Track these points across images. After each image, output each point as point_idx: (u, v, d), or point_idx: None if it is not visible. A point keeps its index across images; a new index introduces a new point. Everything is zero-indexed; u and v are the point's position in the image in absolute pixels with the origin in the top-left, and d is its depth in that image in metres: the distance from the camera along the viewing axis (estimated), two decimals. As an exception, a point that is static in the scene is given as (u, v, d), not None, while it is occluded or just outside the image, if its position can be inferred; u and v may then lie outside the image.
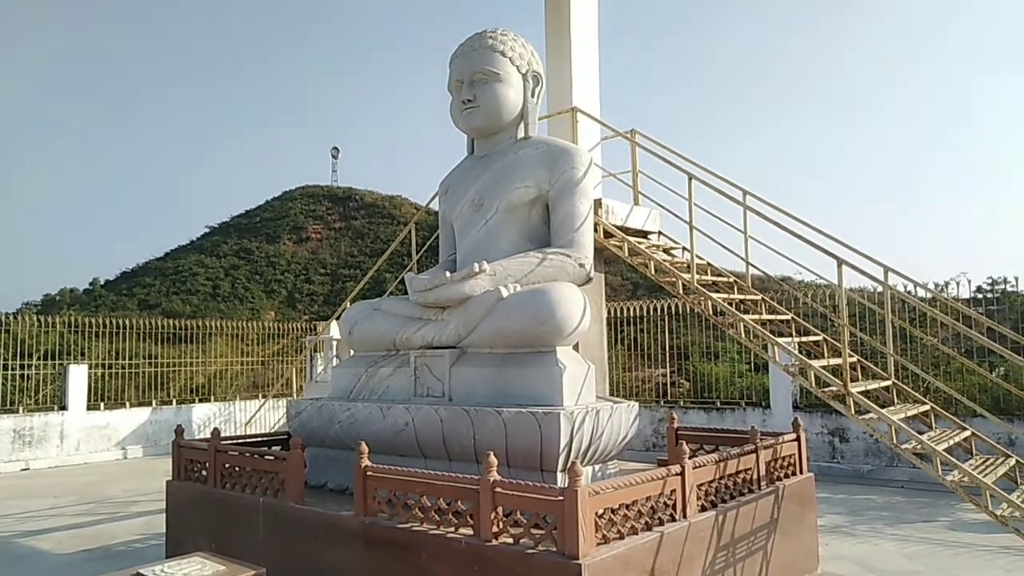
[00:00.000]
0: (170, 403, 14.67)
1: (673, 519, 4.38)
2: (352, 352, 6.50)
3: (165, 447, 12.91)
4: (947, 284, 10.42)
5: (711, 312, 5.78)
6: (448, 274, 5.57)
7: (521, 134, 6.28)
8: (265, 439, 6.84)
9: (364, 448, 4.73)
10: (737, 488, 5.07)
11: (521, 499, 3.96)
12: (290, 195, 50.04)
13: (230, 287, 37.75)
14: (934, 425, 5.56)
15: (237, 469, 5.63)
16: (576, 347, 5.56)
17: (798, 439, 5.85)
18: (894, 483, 9.37)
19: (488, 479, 4.03)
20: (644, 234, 6.74)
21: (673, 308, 12.81)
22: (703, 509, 4.67)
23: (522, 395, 5.09)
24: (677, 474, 4.46)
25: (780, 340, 5.38)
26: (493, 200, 6.07)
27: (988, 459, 5.26)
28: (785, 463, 5.71)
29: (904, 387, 5.67)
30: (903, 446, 4.78)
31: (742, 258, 5.82)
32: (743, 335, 5.58)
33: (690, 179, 5.85)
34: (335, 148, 54.83)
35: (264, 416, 15.06)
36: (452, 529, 4.22)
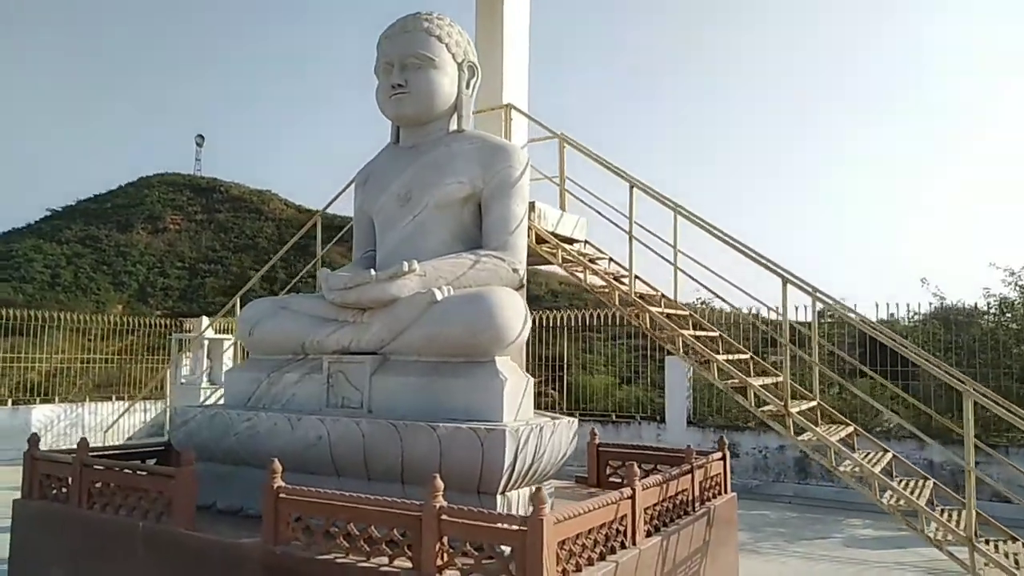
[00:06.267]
0: (4, 403, 12.86)
1: (623, 546, 4.09)
2: (249, 355, 5.79)
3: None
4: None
5: (648, 325, 5.59)
6: (373, 272, 5.03)
7: (453, 127, 5.84)
8: (137, 451, 5.96)
9: (277, 466, 4.12)
10: (676, 510, 4.87)
11: (472, 528, 3.52)
12: (147, 181, 46.70)
13: (72, 276, 34.42)
14: (856, 446, 5.63)
15: (110, 487, 4.80)
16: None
17: (724, 458, 5.77)
18: (781, 498, 9.64)
19: (433, 505, 3.57)
20: (571, 242, 6.48)
21: (544, 320, 12.71)
22: (648, 534, 4.41)
23: (456, 409, 4.64)
24: (628, 498, 4.17)
25: (720, 358, 5.25)
26: (422, 195, 5.59)
27: (910, 481, 5.36)
28: (713, 483, 5.59)
29: (829, 408, 5.74)
30: (841, 468, 4.75)
31: (679, 268, 5.68)
32: (680, 350, 5.42)
33: (631, 187, 5.65)
34: (200, 136, 51.65)
35: (118, 421, 13.53)
36: (385, 561, 3.71)
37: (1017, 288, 9.84)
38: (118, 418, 11.21)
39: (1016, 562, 4.42)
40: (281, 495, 4.04)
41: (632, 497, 4.18)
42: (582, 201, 6.38)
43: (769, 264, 5.01)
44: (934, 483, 5.27)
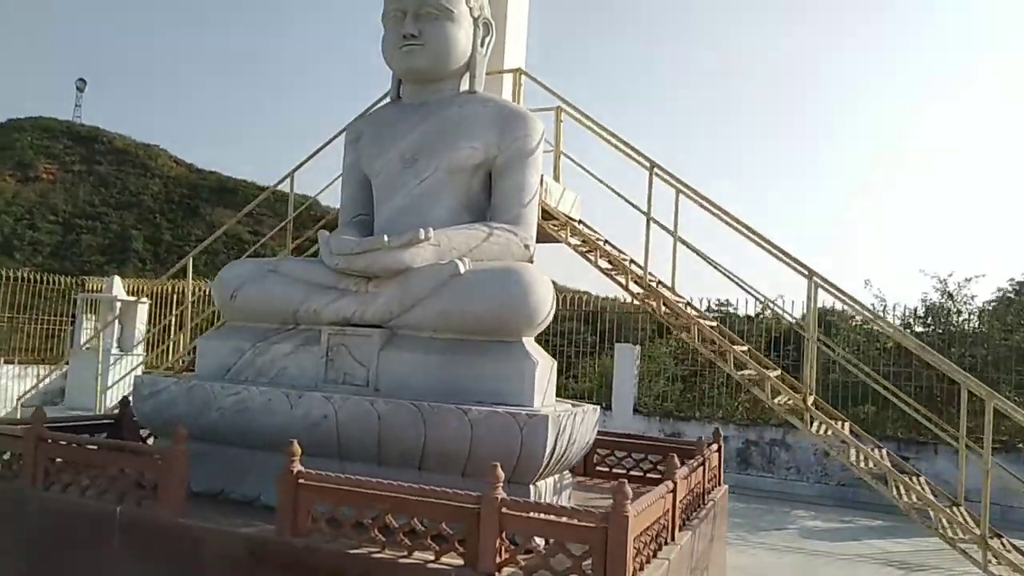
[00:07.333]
0: None
1: (666, 543, 3.91)
2: (228, 322, 5.20)
3: None
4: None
5: (662, 312, 5.42)
6: (386, 237, 4.59)
7: (464, 87, 5.44)
8: (82, 424, 5.27)
9: (296, 448, 3.67)
10: (695, 503, 4.75)
11: (539, 523, 3.23)
12: (18, 124, 42.90)
13: (-82, 221, 31.29)
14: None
15: (72, 465, 4.17)
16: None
17: (720, 449, 5.71)
18: (722, 488, 9.81)
19: (494, 497, 3.25)
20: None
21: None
22: (678, 529, 4.25)
23: (481, 391, 4.29)
24: (671, 492, 3.98)
25: (737, 348, 5.16)
26: (432, 158, 5.16)
27: (906, 478, 5.47)
28: (713, 475, 5.52)
29: (825, 404, 5.78)
30: (860, 465, 4.77)
31: (704, 257, 5.52)
32: (696, 339, 5.29)
33: (652, 167, 5.44)
34: (81, 80, 47.99)
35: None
36: (431, 557, 3.36)
37: (945, 295, 10.46)
38: (38, 383, 9.65)
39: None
40: (301, 481, 3.60)
41: (673, 491, 4.01)
42: (590, 173, 6.09)
43: (793, 260, 4.94)
44: (926, 480, 5.42)
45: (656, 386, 11.53)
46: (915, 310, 10.53)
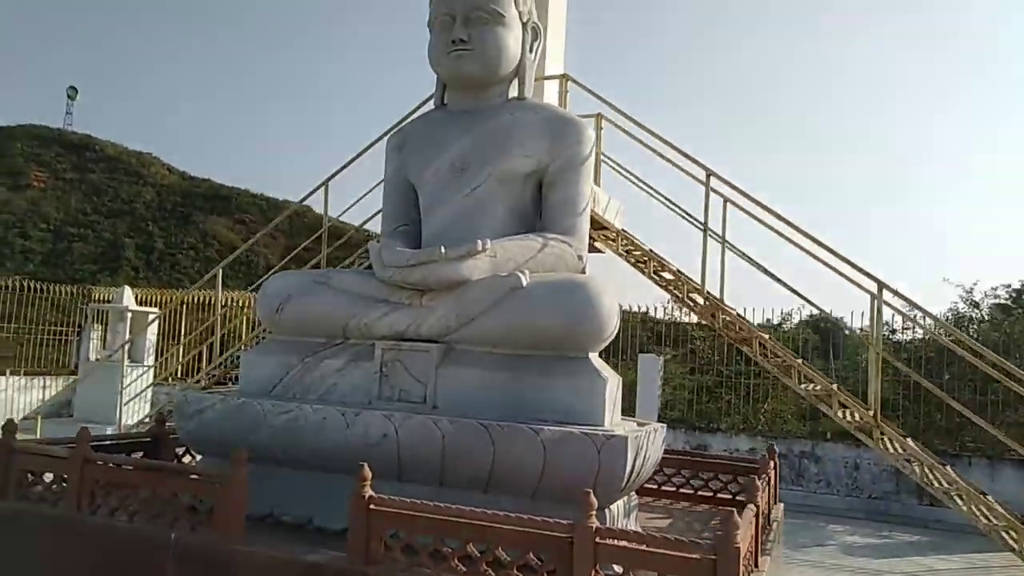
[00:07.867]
0: None
1: (751, 571, 3.73)
2: (270, 334, 4.99)
3: None
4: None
5: (722, 325, 5.25)
6: (443, 249, 4.40)
7: (513, 93, 5.28)
8: (119, 443, 5.05)
9: (367, 472, 3.47)
10: (766, 525, 4.57)
11: (640, 554, 3.04)
12: (9, 132, 42.40)
13: (-94, 228, 30.86)
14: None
15: (122, 487, 3.96)
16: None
17: (776, 467, 5.54)
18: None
19: (588, 525, 3.06)
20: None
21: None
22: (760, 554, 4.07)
23: (547, 409, 4.11)
24: (754, 516, 3.80)
25: (797, 361, 5.00)
26: (483, 166, 4.98)
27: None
28: (773, 493, 5.35)
29: (886, 420, 5.62)
30: (935, 485, 4.61)
31: (764, 266, 5.36)
32: (757, 352, 5.13)
33: (708, 176, 5.28)
34: (72, 88, 47.61)
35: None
36: (518, 589, 3.17)
37: (970, 304, 10.37)
38: (56, 396, 9.24)
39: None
40: (373, 507, 3.41)
41: (757, 516, 3.83)
42: (641, 182, 5.93)
43: (860, 271, 4.80)
44: (990, 498, 5.27)
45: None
46: (947, 319, 10.41)
